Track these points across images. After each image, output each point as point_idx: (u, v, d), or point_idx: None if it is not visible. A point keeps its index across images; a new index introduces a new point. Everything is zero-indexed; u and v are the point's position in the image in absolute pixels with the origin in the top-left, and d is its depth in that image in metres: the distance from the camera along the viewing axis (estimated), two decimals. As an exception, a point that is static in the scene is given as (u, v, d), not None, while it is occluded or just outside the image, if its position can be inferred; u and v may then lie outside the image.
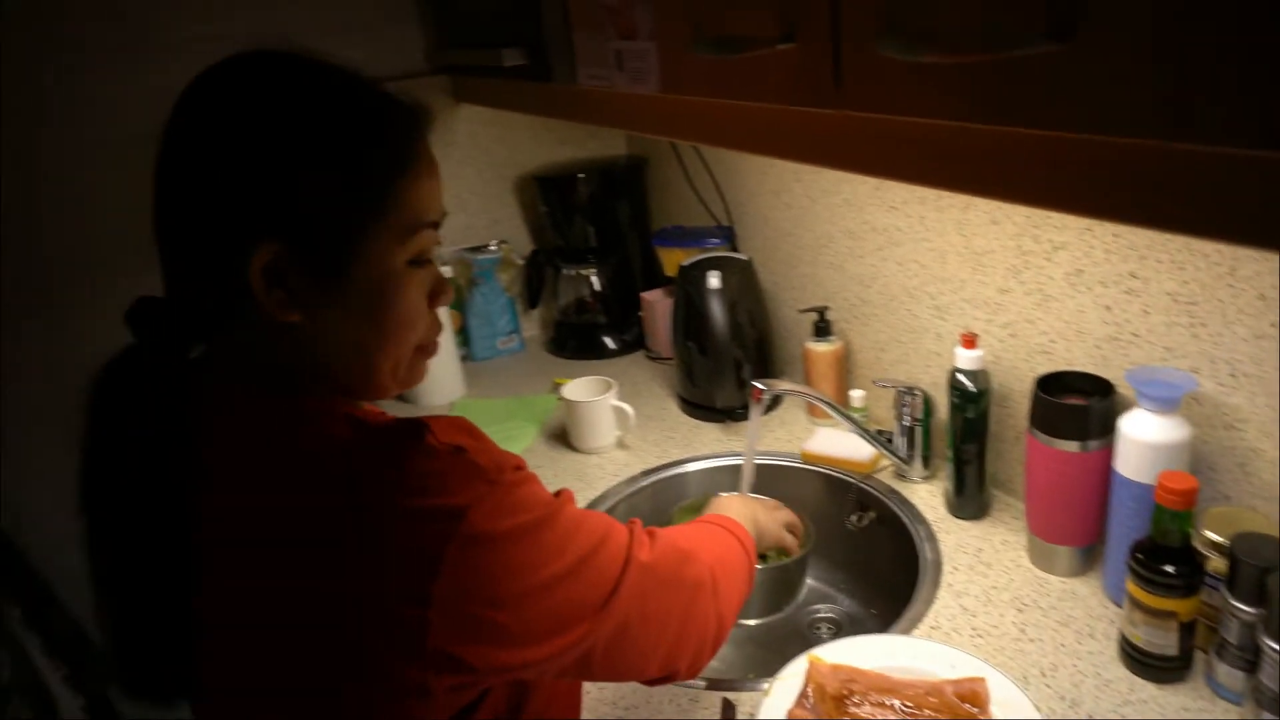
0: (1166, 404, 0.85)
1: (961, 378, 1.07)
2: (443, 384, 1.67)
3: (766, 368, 1.49)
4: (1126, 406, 0.90)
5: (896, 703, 0.84)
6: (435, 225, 0.66)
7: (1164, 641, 0.82)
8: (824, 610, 1.25)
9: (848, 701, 0.85)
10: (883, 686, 0.86)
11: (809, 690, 0.85)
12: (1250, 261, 0.83)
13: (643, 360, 1.77)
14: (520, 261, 1.89)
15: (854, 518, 1.23)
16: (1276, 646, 0.73)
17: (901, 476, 1.23)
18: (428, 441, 0.58)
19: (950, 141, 0.56)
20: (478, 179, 1.87)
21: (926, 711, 0.83)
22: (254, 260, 0.59)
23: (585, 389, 1.44)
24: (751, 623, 1.08)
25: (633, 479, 1.32)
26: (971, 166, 0.55)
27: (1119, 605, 0.94)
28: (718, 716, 0.88)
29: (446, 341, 1.67)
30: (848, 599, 1.26)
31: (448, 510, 0.56)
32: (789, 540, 1.05)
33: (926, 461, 1.21)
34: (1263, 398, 0.85)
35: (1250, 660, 0.78)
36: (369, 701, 0.60)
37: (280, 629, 0.60)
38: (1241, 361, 0.86)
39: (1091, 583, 0.99)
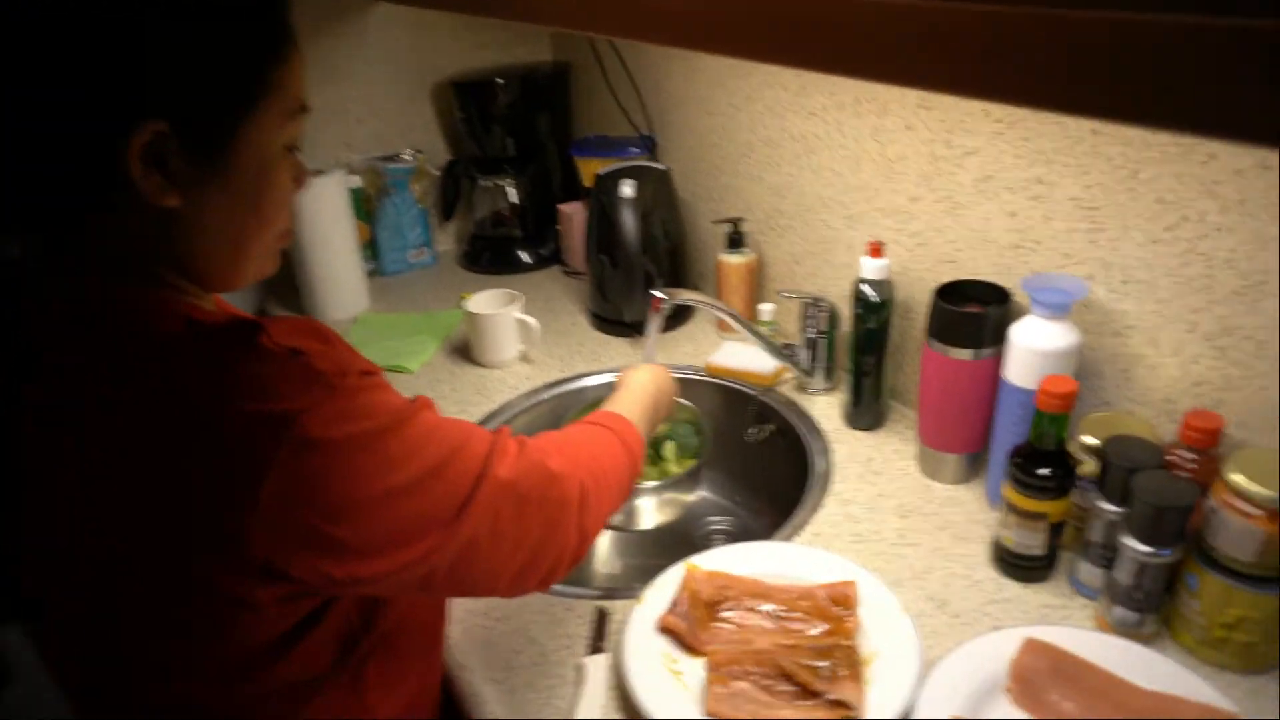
0: (1057, 310, 0.83)
1: (865, 288, 1.05)
2: (346, 298, 1.60)
3: (680, 280, 1.45)
4: (1022, 314, 0.88)
5: (769, 606, 0.83)
6: (306, 111, 0.64)
7: (1032, 542, 0.82)
8: (719, 522, 1.24)
9: (720, 607, 0.83)
10: (756, 591, 0.84)
11: (683, 596, 0.84)
12: (1151, 164, 0.80)
13: (558, 275, 1.71)
14: (435, 172, 1.81)
15: (753, 430, 1.21)
16: (1133, 543, 0.72)
17: (803, 389, 1.21)
18: (260, 343, 0.54)
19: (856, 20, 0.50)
20: (391, 83, 1.77)
21: (797, 614, 0.82)
22: (133, 141, 0.53)
23: (489, 301, 1.38)
24: (643, 529, 1.06)
25: (533, 392, 1.28)
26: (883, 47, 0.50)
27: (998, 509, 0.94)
28: (590, 625, 0.86)
29: (350, 254, 1.59)
30: (744, 510, 1.24)
31: (278, 415, 0.52)
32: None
33: (829, 374, 1.19)
34: (1150, 304, 0.83)
35: (1110, 558, 0.78)
36: (194, 614, 0.57)
37: (101, 537, 0.57)
38: (1134, 267, 0.84)
39: (975, 489, 0.98)
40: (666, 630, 0.81)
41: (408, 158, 1.76)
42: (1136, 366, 0.85)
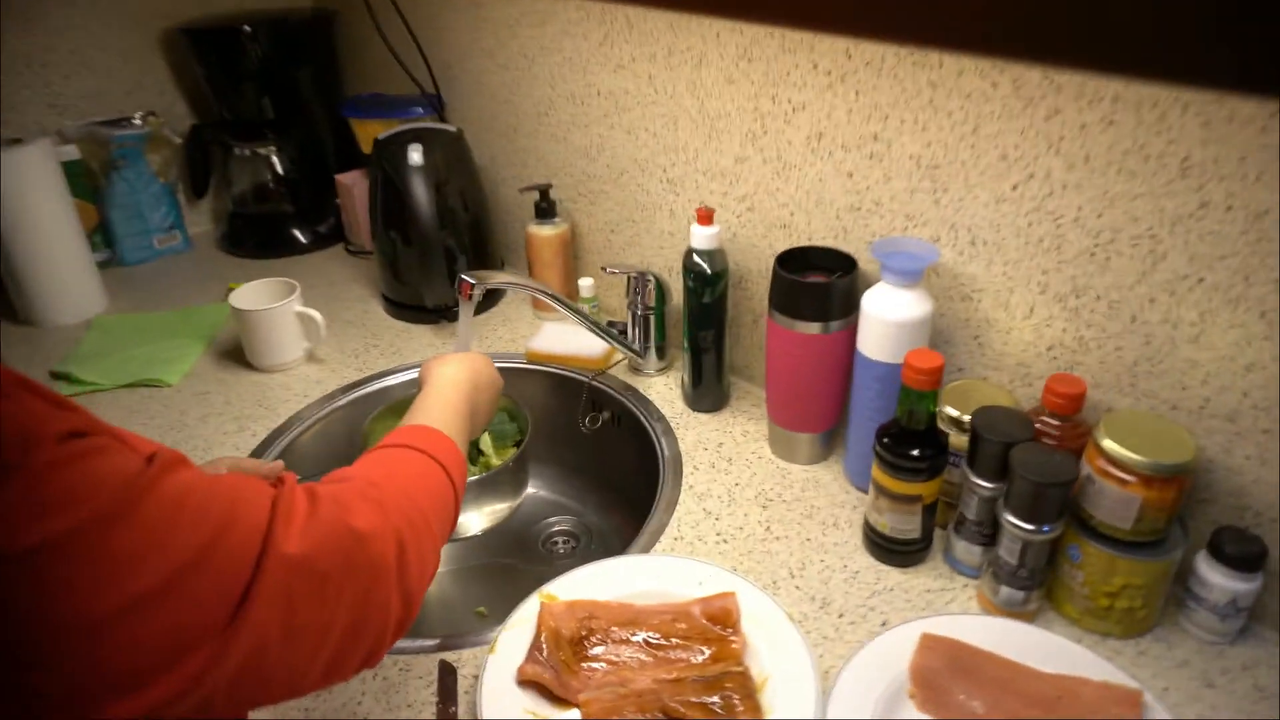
0: (910, 277, 0.79)
1: (697, 258, 0.96)
2: (72, 297, 1.30)
3: (484, 258, 1.30)
4: (868, 282, 0.83)
5: (642, 635, 0.73)
6: None
7: (908, 526, 0.78)
8: (560, 523, 1.13)
9: (586, 644, 0.72)
10: (625, 618, 0.74)
11: (542, 638, 0.72)
12: (992, 120, 0.76)
13: (342, 256, 1.50)
14: (177, 139, 1.52)
15: (587, 420, 1.11)
16: (1015, 520, 0.70)
17: (637, 370, 1.12)
18: None
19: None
20: (107, 31, 1.45)
21: (675, 640, 0.73)
22: None
23: (261, 294, 1.17)
24: (476, 533, 0.93)
25: (326, 398, 1.10)
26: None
27: (861, 489, 0.90)
28: (434, 686, 0.72)
29: (71, 241, 1.29)
30: (586, 509, 1.14)
31: None
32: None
33: (662, 352, 1.11)
34: (999, 266, 0.80)
35: (988, 535, 0.76)
36: None
37: None
38: (981, 228, 0.81)
39: (833, 468, 0.94)
40: (528, 682, 0.69)
41: (138, 122, 1.46)
42: (988, 331, 0.83)
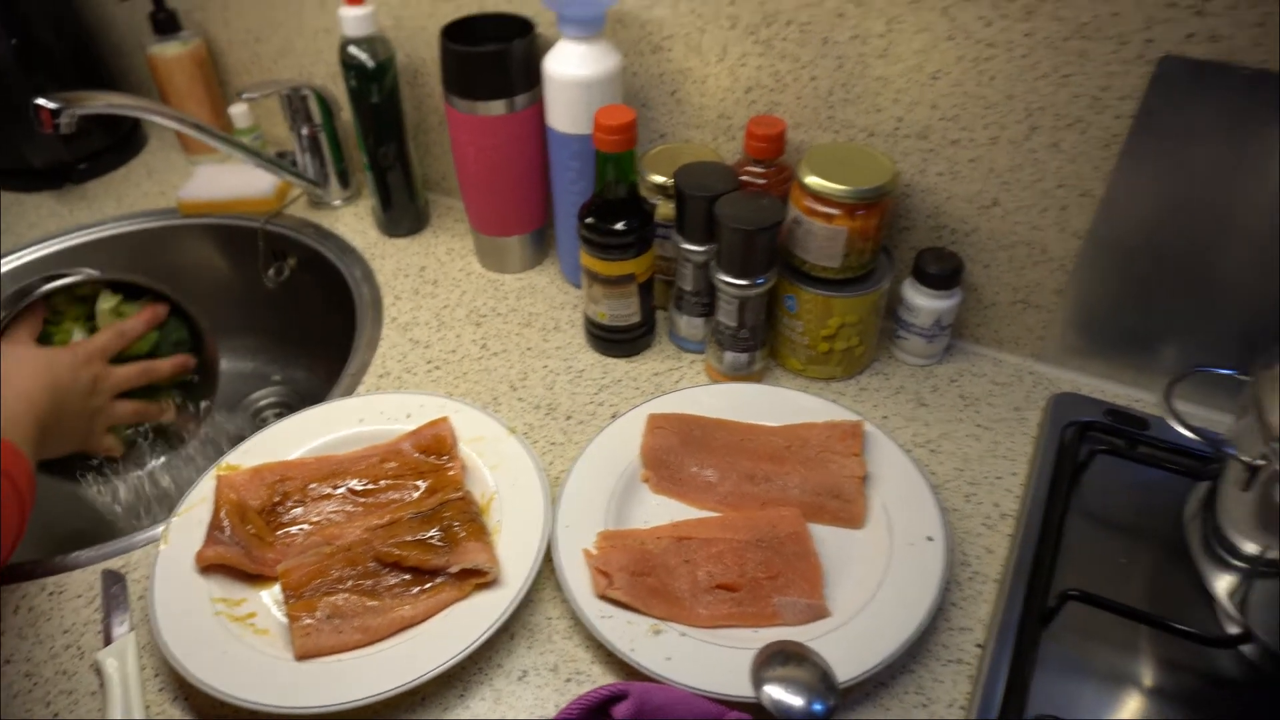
0: (589, 27, 0.68)
1: (355, 50, 0.80)
2: None
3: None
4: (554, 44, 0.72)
5: (351, 483, 0.63)
6: None
7: (626, 310, 0.72)
8: (268, 396, 0.98)
9: (280, 510, 0.61)
10: (326, 473, 0.63)
11: (222, 515, 0.60)
12: None
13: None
14: None
15: (271, 272, 0.94)
16: (728, 278, 0.65)
17: (319, 204, 0.95)
18: None
19: None
20: None
21: (384, 483, 0.63)
22: None
23: None
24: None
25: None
26: None
27: (578, 286, 0.83)
28: (102, 600, 0.59)
29: None
30: (294, 371, 1.00)
31: None
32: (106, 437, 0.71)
33: (345, 179, 0.95)
34: (684, 4, 0.71)
35: (707, 304, 0.71)
36: None
37: None
38: (655, -34, 0.71)
39: (548, 271, 0.86)
40: (213, 567, 0.58)
41: None
42: (685, 84, 0.75)
